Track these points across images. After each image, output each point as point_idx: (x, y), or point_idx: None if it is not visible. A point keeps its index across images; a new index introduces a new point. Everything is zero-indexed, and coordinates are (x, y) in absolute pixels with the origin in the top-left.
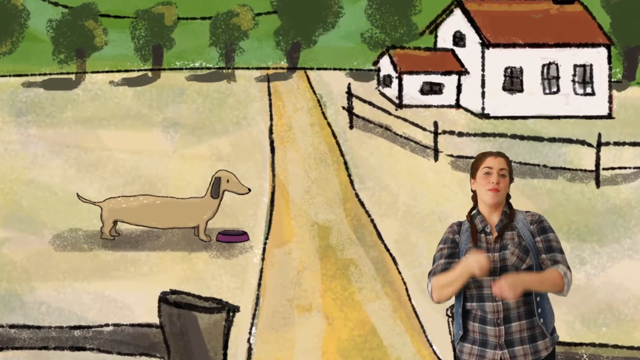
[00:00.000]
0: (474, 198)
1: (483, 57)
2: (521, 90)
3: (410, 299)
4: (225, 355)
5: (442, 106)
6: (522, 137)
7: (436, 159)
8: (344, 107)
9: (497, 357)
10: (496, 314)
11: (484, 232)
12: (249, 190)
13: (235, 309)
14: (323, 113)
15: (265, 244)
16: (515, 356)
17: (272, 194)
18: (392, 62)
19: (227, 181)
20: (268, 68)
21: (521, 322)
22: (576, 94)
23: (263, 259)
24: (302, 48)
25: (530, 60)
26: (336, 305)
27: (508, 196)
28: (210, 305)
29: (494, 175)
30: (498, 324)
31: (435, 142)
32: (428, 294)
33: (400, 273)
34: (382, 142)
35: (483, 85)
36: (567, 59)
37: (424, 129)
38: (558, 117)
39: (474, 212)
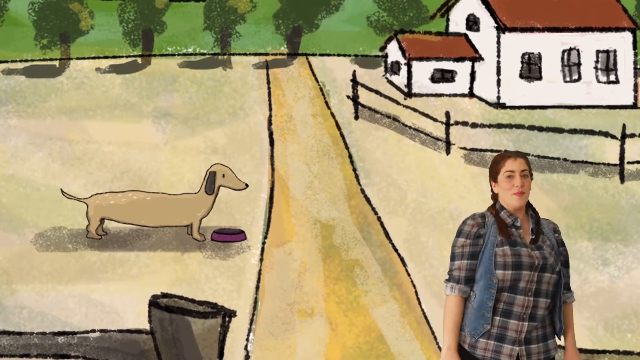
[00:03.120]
0: (494, 198)
1: (498, 42)
2: (540, 78)
3: (420, 303)
4: None
5: (455, 95)
6: (540, 129)
7: (448, 152)
8: (348, 96)
9: (514, 353)
10: (524, 308)
11: (514, 226)
12: (246, 185)
13: (231, 314)
14: (326, 102)
15: (263, 243)
16: (531, 353)
17: (271, 189)
18: (401, 48)
19: (223, 176)
20: (267, 54)
21: (540, 323)
22: (599, 81)
23: (261, 260)
24: (303, 32)
25: (549, 46)
26: (340, 309)
27: None
28: (204, 310)
29: (517, 179)
30: (523, 319)
31: (447, 133)
32: (444, 293)
33: (409, 275)
34: (390, 133)
35: (498, 72)
36: (589, 44)
37: (435, 120)
38: (579, 107)
39: (498, 206)
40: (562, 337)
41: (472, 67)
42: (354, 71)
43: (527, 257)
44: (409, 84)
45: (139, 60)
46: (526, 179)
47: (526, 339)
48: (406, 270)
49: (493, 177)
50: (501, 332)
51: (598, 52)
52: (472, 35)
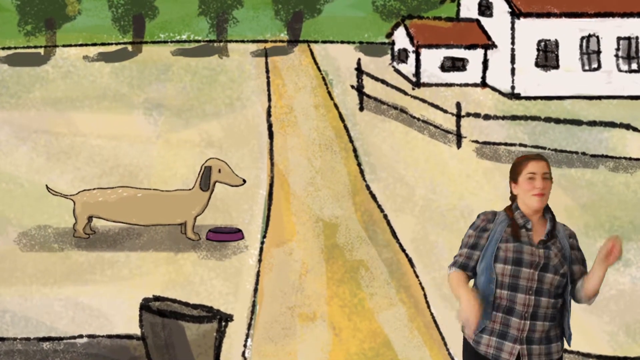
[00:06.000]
0: (512, 199)
1: (513, 29)
2: (557, 67)
3: (429, 307)
4: None
5: (466, 85)
6: (557, 121)
7: (459, 145)
8: (353, 86)
9: (515, 352)
10: (526, 307)
11: (524, 227)
12: (244, 181)
13: (228, 318)
14: (329, 93)
15: (262, 243)
16: (532, 354)
17: (271, 185)
18: (409, 34)
19: (219, 171)
20: (266, 41)
21: (545, 323)
22: (620, 70)
23: (260, 261)
24: (304, 18)
25: (567, 32)
26: (344, 313)
27: None
28: (199, 314)
29: (538, 180)
30: (525, 317)
31: (458, 126)
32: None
33: (417, 277)
34: (397, 126)
35: (513, 60)
36: (609, 30)
37: (445, 111)
38: (599, 98)
39: (513, 206)
40: (570, 344)
41: (485, 55)
42: (359, 59)
43: (529, 254)
44: (417, 73)
45: (130, 47)
46: (547, 182)
47: (528, 338)
48: (414, 271)
49: (514, 178)
50: (503, 329)
51: (619, 38)
52: (484, 21)
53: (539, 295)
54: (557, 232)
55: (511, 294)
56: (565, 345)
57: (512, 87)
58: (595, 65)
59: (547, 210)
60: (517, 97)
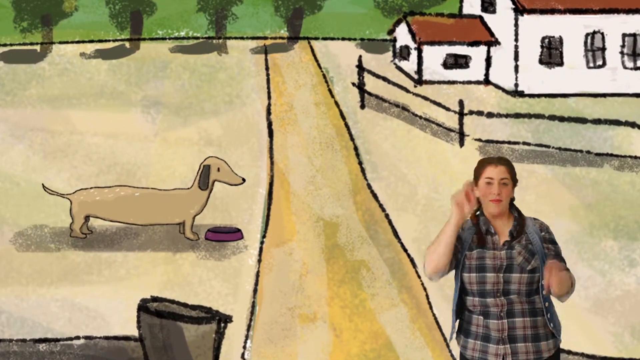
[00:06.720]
0: (479, 201)
1: (516, 25)
2: (561, 64)
3: (431, 307)
4: None
5: (469, 82)
6: (562, 119)
7: (462, 143)
8: (354, 84)
9: (500, 352)
10: (499, 307)
11: (488, 233)
12: (243, 180)
13: (227, 319)
14: (330, 90)
15: (262, 243)
16: (517, 352)
17: (270, 184)
18: (410, 31)
19: (218, 170)
20: (266, 38)
21: (525, 319)
22: (625, 67)
23: (259, 261)
24: (305, 14)
25: (571, 29)
26: (345, 314)
27: (512, 199)
28: (197, 315)
29: (495, 186)
30: (501, 317)
31: (461, 124)
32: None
33: (419, 277)
34: (399, 124)
35: (516, 57)
36: (614, 27)
37: (448, 109)
38: (604, 95)
39: (478, 212)
40: (559, 337)
41: (488, 52)
42: (360, 56)
43: (491, 259)
44: (419, 70)
45: (127, 44)
46: (505, 187)
47: (510, 337)
48: (416, 271)
49: (475, 180)
50: (485, 331)
51: (624, 35)
52: (487, 17)
53: (508, 295)
54: (526, 228)
55: (482, 300)
56: (564, 344)
57: (516, 85)
58: (600, 63)
59: (513, 210)
60: (521, 94)
